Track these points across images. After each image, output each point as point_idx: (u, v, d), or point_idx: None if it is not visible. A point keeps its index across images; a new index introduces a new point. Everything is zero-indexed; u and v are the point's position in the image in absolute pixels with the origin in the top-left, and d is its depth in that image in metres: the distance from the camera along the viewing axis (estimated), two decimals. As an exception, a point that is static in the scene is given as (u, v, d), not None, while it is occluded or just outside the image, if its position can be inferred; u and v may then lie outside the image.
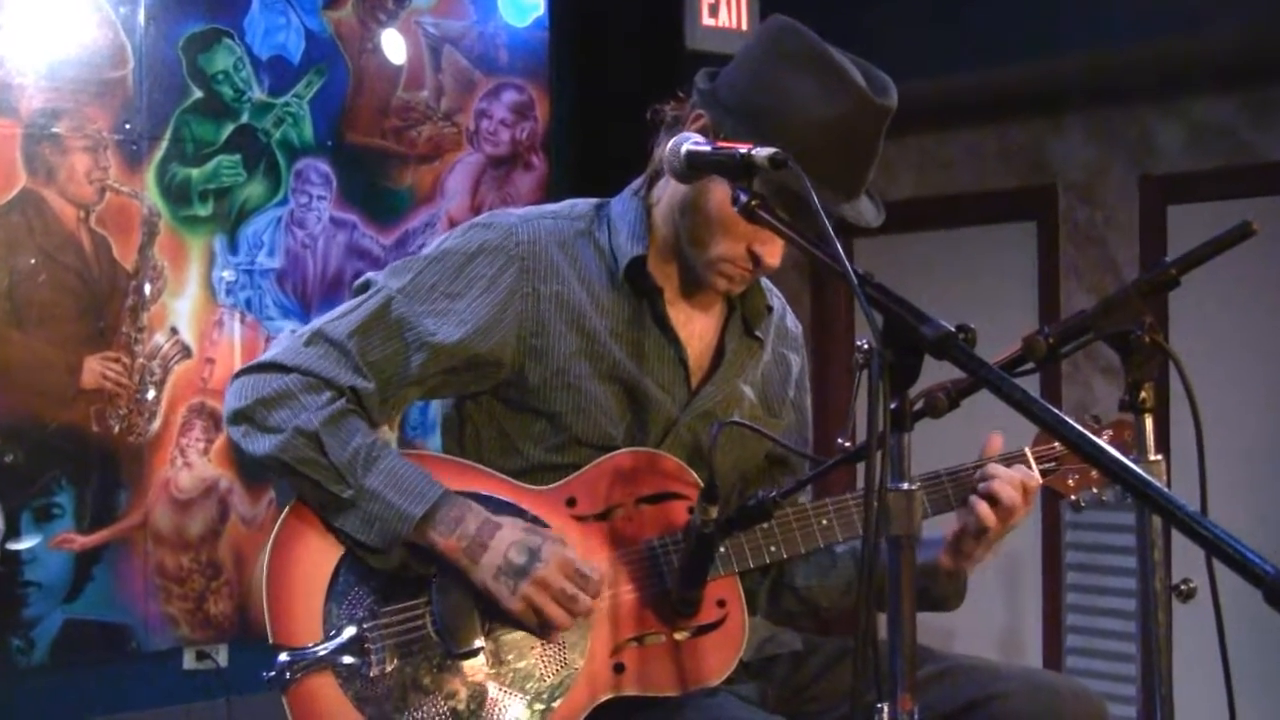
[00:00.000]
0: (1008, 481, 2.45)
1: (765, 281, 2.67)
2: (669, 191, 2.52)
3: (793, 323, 2.82)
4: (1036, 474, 2.51)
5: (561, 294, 2.50)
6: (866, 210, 2.44)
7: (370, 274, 2.56)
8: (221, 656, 4.78)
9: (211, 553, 4.76)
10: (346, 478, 2.36)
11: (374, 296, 2.48)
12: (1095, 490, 2.56)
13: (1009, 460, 2.51)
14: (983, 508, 2.44)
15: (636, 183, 2.61)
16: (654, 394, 2.54)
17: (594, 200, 2.65)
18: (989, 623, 6.07)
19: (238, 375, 2.47)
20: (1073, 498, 2.57)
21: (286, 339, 2.52)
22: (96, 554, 4.52)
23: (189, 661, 4.76)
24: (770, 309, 2.69)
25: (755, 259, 2.43)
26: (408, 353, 2.45)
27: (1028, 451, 2.54)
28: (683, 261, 2.54)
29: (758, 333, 2.65)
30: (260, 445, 2.40)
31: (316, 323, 2.50)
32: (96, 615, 4.53)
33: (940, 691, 2.49)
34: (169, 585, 4.68)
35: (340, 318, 2.48)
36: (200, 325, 4.73)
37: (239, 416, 2.43)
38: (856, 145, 2.39)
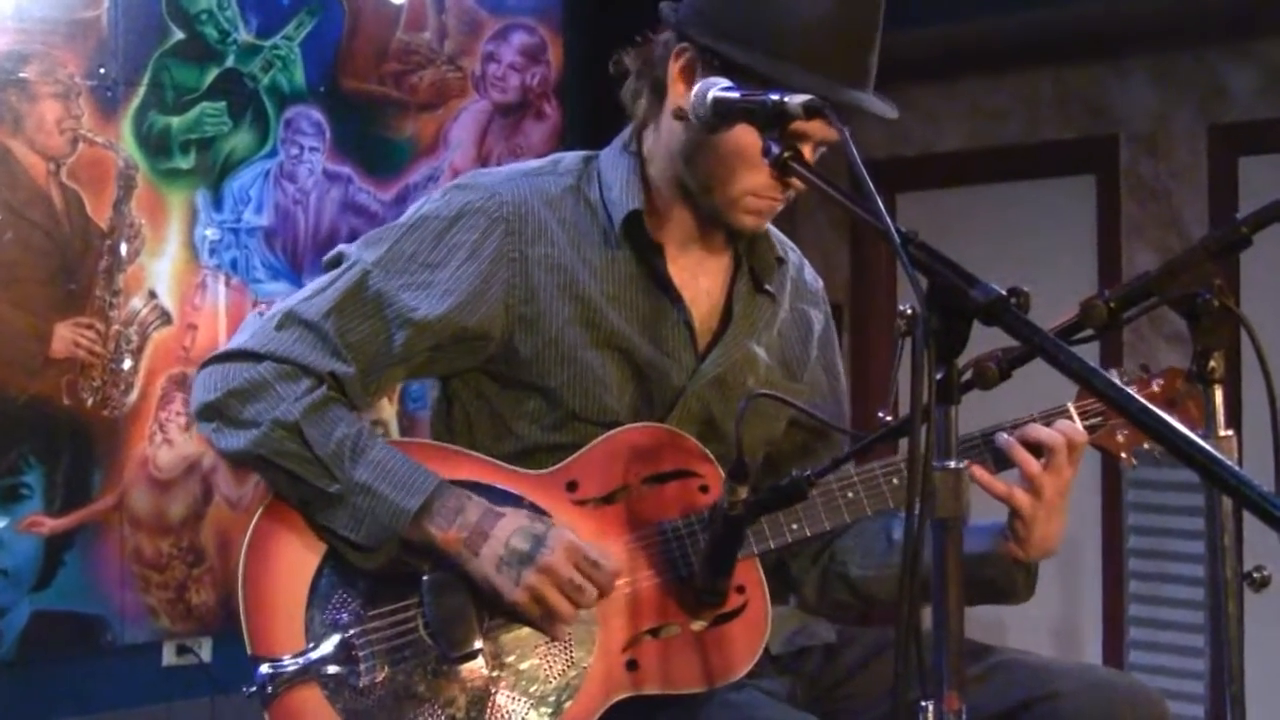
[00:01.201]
0: (1022, 441, 2.42)
1: (776, 233, 2.66)
2: (666, 140, 2.51)
3: (812, 276, 2.81)
4: (1080, 426, 2.46)
5: (551, 256, 2.50)
6: (881, 102, 2.44)
7: (343, 246, 2.56)
8: (204, 651, 4.80)
9: (193, 537, 4.77)
10: (333, 471, 2.36)
11: (348, 271, 2.48)
12: (1148, 446, 2.49)
13: (1050, 417, 2.47)
14: (985, 477, 2.42)
15: (624, 135, 2.60)
16: (658, 361, 2.53)
17: (581, 153, 2.65)
18: (1043, 614, 6.06)
19: (204, 366, 2.47)
20: (1123, 455, 2.53)
21: (255, 322, 2.52)
22: (68, 539, 4.54)
23: (169, 656, 4.78)
24: (781, 260, 2.67)
25: (785, 184, 2.40)
26: (389, 331, 2.45)
27: (1071, 407, 2.50)
28: (695, 211, 2.53)
29: (769, 287, 2.64)
30: (234, 441, 2.40)
31: (287, 303, 2.49)
32: (68, 606, 4.55)
33: (988, 690, 2.48)
34: (147, 573, 4.69)
35: (313, 297, 2.47)
36: (181, 288, 4.74)
37: (209, 411, 2.43)
38: (860, 30, 2.42)
